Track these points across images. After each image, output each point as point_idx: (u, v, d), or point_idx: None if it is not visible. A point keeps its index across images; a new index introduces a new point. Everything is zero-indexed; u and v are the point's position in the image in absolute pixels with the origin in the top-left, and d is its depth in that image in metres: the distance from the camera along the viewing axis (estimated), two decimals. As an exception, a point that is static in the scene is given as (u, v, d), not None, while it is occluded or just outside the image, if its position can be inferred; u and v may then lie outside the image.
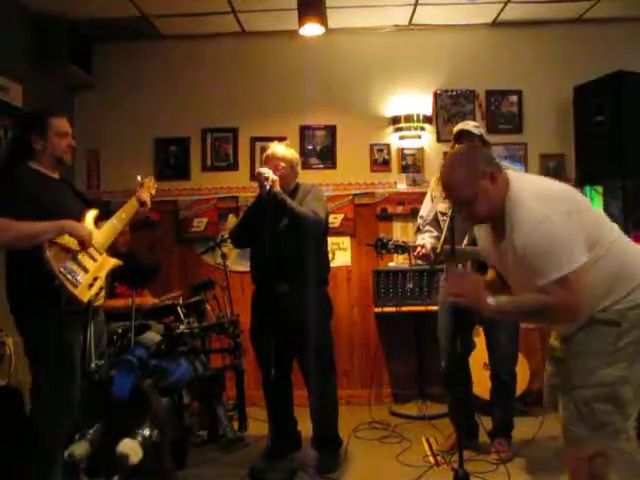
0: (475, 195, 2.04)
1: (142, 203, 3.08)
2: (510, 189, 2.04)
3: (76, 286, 2.60)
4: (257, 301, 3.53)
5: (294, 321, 3.31)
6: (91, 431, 2.44)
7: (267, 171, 3.27)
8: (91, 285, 2.69)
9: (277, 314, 3.32)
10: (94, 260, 2.76)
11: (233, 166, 5.05)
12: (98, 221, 2.89)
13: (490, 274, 2.38)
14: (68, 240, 2.64)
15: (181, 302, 4.00)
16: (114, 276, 3.00)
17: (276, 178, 3.27)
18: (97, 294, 2.72)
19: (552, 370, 2.30)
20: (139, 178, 3.22)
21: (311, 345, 3.33)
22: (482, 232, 2.31)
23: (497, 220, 2.09)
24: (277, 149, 3.46)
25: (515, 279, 2.18)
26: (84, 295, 2.63)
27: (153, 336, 3.55)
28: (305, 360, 3.40)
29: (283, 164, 3.40)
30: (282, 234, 3.33)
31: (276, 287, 3.36)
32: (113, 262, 2.90)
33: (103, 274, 2.80)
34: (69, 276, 2.59)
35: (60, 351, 2.62)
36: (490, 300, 2.01)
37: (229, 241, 4.66)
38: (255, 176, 4.93)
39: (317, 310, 3.37)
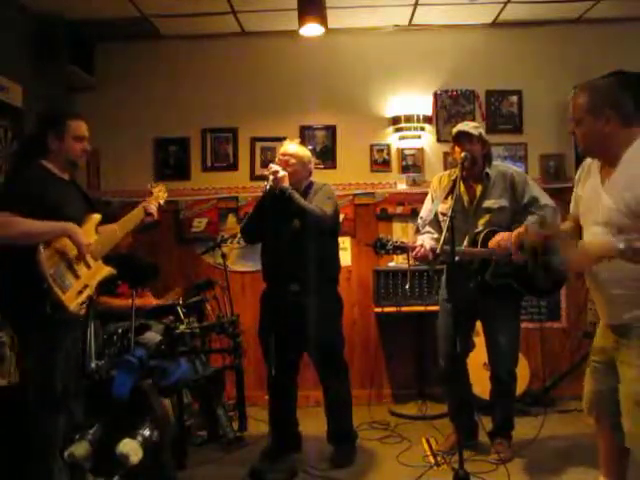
0: (580, 120, 2.27)
1: (149, 214, 3.07)
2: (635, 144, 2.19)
3: (64, 292, 2.57)
4: (268, 300, 3.54)
5: (306, 320, 3.32)
6: (91, 431, 2.44)
7: (275, 166, 3.33)
8: (80, 292, 2.66)
9: (289, 313, 3.35)
10: (88, 267, 2.73)
11: (233, 166, 5.04)
12: (100, 226, 2.87)
13: (567, 224, 2.54)
14: (66, 244, 2.62)
15: (181, 302, 4.00)
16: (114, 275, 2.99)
17: (285, 173, 3.31)
18: (84, 302, 2.68)
19: (600, 375, 2.25)
20: (149, 186, 3.22)
21: (324, 343, 3.38)
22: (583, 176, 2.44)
23: (606, 160, 2.27)
24: (289, 146, 3.52)
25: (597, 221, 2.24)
26: (71, 301, 2.59)
27: (153, 336, 3.55)
28: (318, 358, 3.46)
29: (294, 160, 3.44)
30: (294, 233, 3.35)
31: (288, 286, 3.37)
32: (106, 271, 2.86)
33: (94, 283, 2.76)
34: (59, 280, 2.56)
35: (43, 351, 2.59)
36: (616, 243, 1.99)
37: (229, 241, 4.70)
38: (256, 176, 5.07)
39: (329, 308, 3.43)
